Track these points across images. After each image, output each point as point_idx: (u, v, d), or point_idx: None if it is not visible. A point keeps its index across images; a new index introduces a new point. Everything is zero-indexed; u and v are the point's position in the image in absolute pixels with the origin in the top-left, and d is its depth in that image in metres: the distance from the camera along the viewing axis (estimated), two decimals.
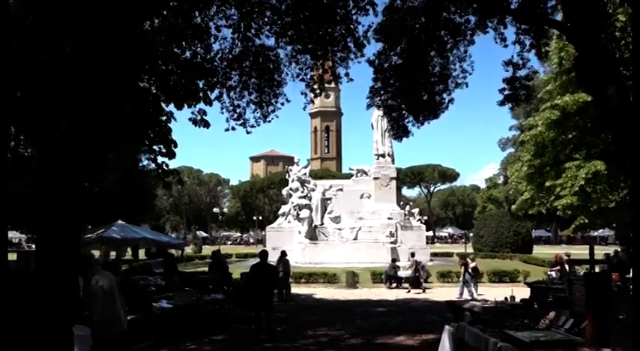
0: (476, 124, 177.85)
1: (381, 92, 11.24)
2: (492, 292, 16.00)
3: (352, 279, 20.62)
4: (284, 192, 34.27)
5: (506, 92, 10.20)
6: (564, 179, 16.33)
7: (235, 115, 12.05)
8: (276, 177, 75.81)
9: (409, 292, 19.01)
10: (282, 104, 12.38)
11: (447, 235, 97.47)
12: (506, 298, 9.65)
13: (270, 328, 9.75)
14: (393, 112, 11.44)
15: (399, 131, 11.63)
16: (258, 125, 12.21)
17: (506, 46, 10.02)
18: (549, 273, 16.63)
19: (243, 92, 12.06)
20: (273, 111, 12.35)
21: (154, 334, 8.67)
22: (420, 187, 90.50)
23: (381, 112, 33.81)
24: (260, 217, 75.91)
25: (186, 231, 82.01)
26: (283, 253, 17.39)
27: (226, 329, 10.72)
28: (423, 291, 18.90)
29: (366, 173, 33.48)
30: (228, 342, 9.81)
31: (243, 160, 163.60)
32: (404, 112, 11.67)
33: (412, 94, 11.63)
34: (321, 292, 18.81)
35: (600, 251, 38.28)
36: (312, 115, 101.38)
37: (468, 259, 18.35)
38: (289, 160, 50.94)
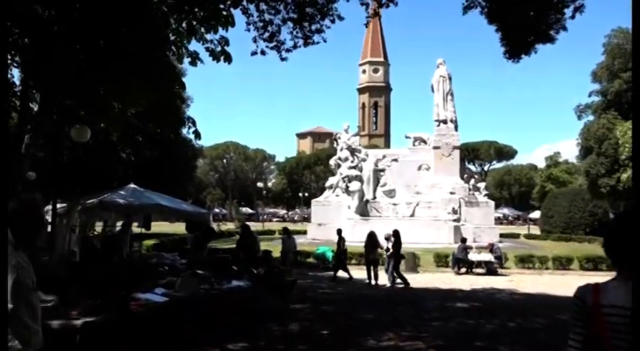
0: (531, 104, 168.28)
1: None
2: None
3: (413, 262, 17.26)
4: (332, 162, 30.93)
5: None
6: None
7: (267, 35, 8.82)
8: (322, 153, 73.37)
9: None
10: (333, 22, 9.11)
11: (501, 216, 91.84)
12: None
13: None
14: (502, 15, 7.79)
15: (515, 45, 8.00)
16: (297, 48, 8.98)
17: None
18: None
19: (278, 4, 8.80)
20: (318, 31, 9.09)
21: (130, 342, 5.56)
22: (474, 165, 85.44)
23: (443, 72, 29.98)
24: (306, 194, 73.30)
25: (231, 206, 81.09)
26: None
27: (251, 332, 7.56)
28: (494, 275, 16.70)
29: (424, 142, 29.63)
30: None
31: (289, 136, 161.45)
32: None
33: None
34: None
35: None
36: (360, 91, 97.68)
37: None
38: None
